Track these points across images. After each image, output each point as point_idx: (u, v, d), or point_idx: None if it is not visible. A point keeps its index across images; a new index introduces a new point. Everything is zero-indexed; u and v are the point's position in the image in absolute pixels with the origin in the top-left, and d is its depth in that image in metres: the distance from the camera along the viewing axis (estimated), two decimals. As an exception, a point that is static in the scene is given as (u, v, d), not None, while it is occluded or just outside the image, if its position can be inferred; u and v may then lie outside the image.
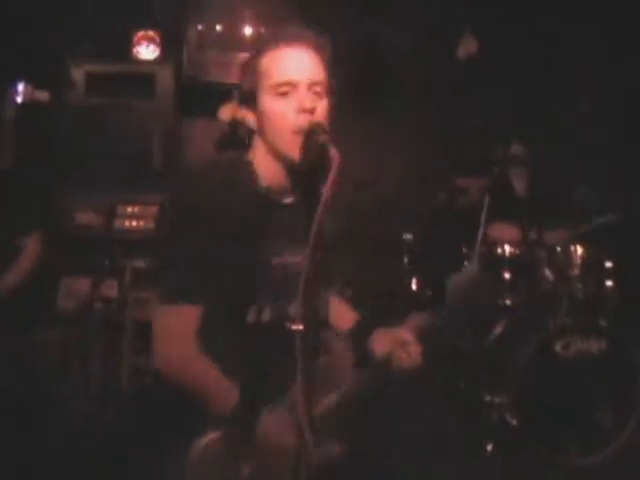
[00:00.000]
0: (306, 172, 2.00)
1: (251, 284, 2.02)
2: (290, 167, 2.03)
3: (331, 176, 1.73)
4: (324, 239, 1.76)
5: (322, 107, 1.99)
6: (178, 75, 4.82)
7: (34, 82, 4.52)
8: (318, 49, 2.03)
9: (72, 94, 4.71)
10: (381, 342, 2.19)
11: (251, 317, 2.03)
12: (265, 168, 2.07)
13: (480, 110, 5.20)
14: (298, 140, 1.94)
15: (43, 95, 4.43)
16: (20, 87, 4.49)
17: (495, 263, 4.12)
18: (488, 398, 3.85)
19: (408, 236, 4.49)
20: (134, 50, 4.81)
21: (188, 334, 1.97)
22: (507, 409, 3.76)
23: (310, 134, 1.91)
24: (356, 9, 5.27)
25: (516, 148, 4.73)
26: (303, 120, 1.94)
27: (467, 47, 5.22)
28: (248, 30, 4.87)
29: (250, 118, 2.06)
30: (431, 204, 5.15)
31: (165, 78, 4.77)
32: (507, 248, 4.12)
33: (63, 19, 4.79)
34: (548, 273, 4.05)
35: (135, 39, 4.81)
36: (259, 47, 2.06)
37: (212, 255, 1.95)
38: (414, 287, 4.36)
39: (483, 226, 4.13)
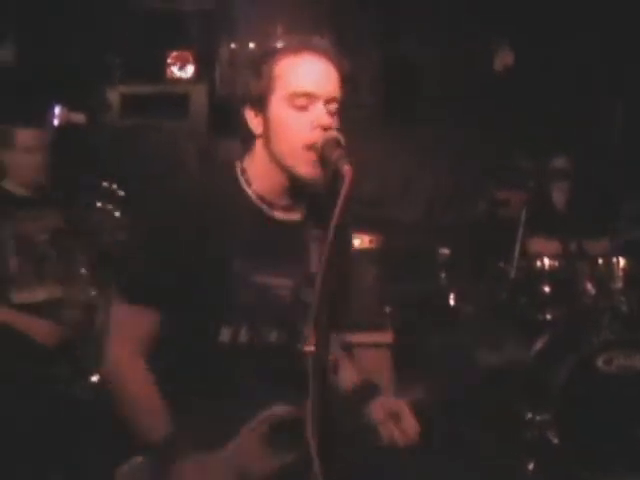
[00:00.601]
0: (311, 188, 1.89)
1: (221, 299, 1.88)
2: (294, 181, 1.90)
3: (343, 192, 1.62)
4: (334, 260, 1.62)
5: (335, 126, 1.86)
6: (212, 94, 4.84)
7: (70, 105, 4.59)
8: (338, 64, 1.89)
9: (107, 116, 4.76)
10: (378, 410, 1.97)
11: (225, 337, 1.89)
12: (262, 177, 1.93)
13: (518, 122, 5.16)
14: (310, 156, 1.82)
15: (79, 117, 4.49)
16: (56, 110, 4.56)
17: (534, 277, 4.04)
18: (529, 415, 3.76)
19: (444, 250, 4.42)
20: (168, 70, 4.84)
21: (131, 335, 1.88)
22: (548, 426, 3.66)
23: (324, 149, 1.78)
24: (388, 27, 5.27)
25: (559, 161, 4.66)
26: (317, 136, 1.81)
27: (503, 59, 5.18)
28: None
29: (254, 122, 1.90)
30: (469, 217, 5.11)
31: (199, 98, 4.81)
32: (547, 261, 4.03)
33: (97, 42, 4.85)
34: (589, 286, 3.94)
35: (169, 59, 4.84)
36: (273, 48, 1.90)
37: (175, 261, 1.85)
38: (451, 302, 4.29)
39: (520, 240, 4.05)
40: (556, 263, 4.02)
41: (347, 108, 1.95)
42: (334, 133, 1.81)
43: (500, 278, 4.17)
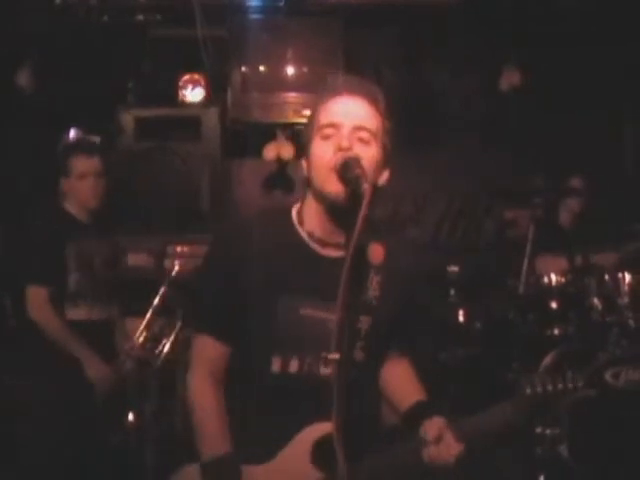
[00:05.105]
0: (349, 217, 1.88)
1: (269, 330, 2.01)
2: (331, 208, 1.99)
3: (362, 211, 1.74)
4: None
5: (368, 154, 1.95)
6: (224, 117, 4.92)
7: (85, 128, 4.67)
8: (373, 101, 2.00)
9: (121, 139, 4.84)
10: (431, 429, 1.96)
11: (276, 367, 2.01)
12: (312, 216, 2.05)
13: (526, 141, 5.21)
14: (333, 176, 1.92)
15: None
16: (71, 133, 4.65)
17: (542, 293, 4.09)
18: (539, 430, 3.80)
19: (454, 268, 4.48)
20: (180, 94, 4.92)
21: (203, 364, 2.09)
22: (558, 441, 3.70)
23: (342, 169, 1.89)
24: (398, 50, 5.33)
25: (576, 181, 4.75)
26: (339, 157, 1.92)
27: (509, 79, 5.22)
28: (291, 70, 4.96)
29: (303, 166, 2.06)
30: (478, 236, 5.16)
31: (211, 120, 4.88)
32: (554, 277, 4.09)
33: (112, 67, 4.93)
34: (597, 302, 4.00)
35: (181, 82, 4.92)
36: (321, 99, 2.04)
37: (234, 297, 2.03)
38: (461, 319, 4.34)
39: (528, 256, 4.11)
40: (563, 279, 4.09)
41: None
42: (353, 153, 1.92)
43: (508, 295, 4.23)
